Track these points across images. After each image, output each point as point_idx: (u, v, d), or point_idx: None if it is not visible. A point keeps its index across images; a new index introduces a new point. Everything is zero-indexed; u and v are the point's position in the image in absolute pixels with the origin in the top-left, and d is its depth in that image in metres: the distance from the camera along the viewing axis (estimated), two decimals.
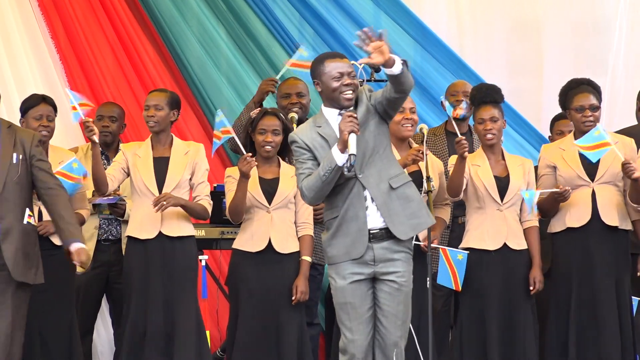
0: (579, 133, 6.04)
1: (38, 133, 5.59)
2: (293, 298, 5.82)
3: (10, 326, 5.13)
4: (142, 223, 5.93)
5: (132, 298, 5.93)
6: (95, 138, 5.78)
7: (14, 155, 5.23)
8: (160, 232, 5.92)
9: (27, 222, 5.23)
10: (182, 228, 5.97)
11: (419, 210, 4.91)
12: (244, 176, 5.72)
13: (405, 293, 4.89)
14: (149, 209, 5.89)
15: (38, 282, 5.28)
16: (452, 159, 5.97)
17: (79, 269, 5.83)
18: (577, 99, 6.03)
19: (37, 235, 5.40)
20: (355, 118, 4.74)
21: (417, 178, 5.87)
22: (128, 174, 6.04)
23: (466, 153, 5.80)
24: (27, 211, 5.25)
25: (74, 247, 5.17)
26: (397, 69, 4.64)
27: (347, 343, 4.87)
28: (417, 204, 4.92)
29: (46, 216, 5.80)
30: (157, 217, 5.91)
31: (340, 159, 4.71)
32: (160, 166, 6.00)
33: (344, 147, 4.70)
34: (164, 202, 5.85)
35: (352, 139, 4.68)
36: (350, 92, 4.85)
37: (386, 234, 4.86)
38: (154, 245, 5.91)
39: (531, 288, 5.94)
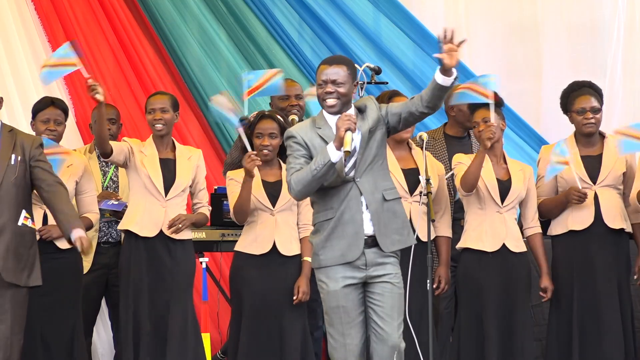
0: (580, 135, 6.08)
1: (39, 137, 5.58)
2: (295, 298, 5.81)
3: (10, 329, 5.12)
4: (144, 220, 5.91)
5: (131, 295, 5.90)
6: (100, 97, 5.62)
7: (13, 156, 5.22)
8: (161, 231, 5.91)
9: (23, 223, 5.21)
10: (182, 231, 5.97)
11: (402, 229, 4.93)
12: (249, 175, 5.67)
13: (398, 294, 4.90)
14: (152, 207, 5.91)
15: (32, 284, 5.23)
16: (458, 157, 5.94)
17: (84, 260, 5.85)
18: (578, 102, 6.04)
19: (35, 238, 5.35)
20: (354, 118, 4.73)
21: (412, 175, 5.88)
22: (126, 163, 5.97)
23: (489, 142, 5.71)
24: (24, 212, 5.23)
25: (74, 235, 5.14)
26: (450, 81, 4.70)
27: (337, 347, 4.87)
28: (402, 222, 4.94)
29: (51, 220, 5.81)
30: (160, 216, 5.92)
31: (335, 155, 4.70)
32: (167, 168, 5.99)
33: (339, 145, 4.68)
34: (180, 225, 5.91)
35: (348, 137, 4.67)
36: (332, 100, 4.84)
37: (373, 242, 4.87)
38: (154, 243, 5.91)
39: (543, 295, 5.96)
